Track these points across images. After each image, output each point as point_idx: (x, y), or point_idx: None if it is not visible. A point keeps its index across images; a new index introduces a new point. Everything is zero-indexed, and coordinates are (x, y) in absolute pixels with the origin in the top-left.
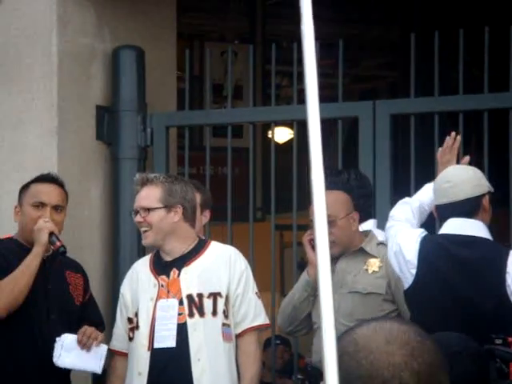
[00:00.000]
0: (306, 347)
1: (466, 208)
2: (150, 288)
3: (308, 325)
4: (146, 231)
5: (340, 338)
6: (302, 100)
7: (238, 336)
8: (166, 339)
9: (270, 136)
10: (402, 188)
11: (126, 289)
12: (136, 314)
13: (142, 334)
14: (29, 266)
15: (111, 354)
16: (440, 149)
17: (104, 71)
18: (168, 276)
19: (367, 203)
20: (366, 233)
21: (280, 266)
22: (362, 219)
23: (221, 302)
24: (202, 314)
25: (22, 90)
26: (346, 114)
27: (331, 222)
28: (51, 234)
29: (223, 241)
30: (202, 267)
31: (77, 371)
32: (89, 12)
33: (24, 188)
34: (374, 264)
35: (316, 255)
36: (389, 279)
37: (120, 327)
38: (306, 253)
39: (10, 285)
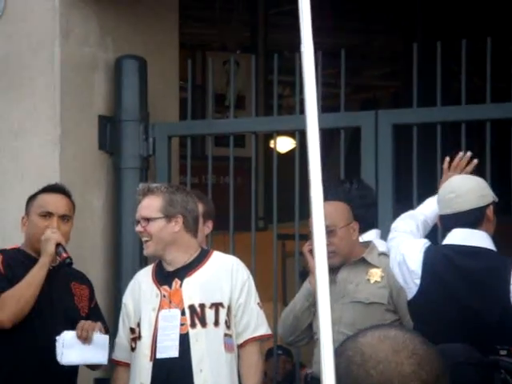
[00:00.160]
0: (308, 358)
1: (471, 219)
2: (152, 298)
3: (309, 335)
4: (146, 241)
5: (343, 348)
6: (304, 110)
7: (239, 346)
8: (169, 349)
9: (272, 146)
10: (405, 198)
11: (128, 299)
12: (138, 325)
13: (145, 345)
14: (35, 277)
15: (114, 365)
16: (447, 158)
17: (106, 81)
18: (170, 286)
19: (368, 213)
20: (367, 243)
21: (282, 276)
22: (363, 229)
23: (223, 313)
24: (203, 324)
25: (25, 100)
26: (348, 124)
27: (331, 232)
28: (58, 244)
29: (225, 250)
30: (204, 277)
31: (83, 366)
32: (92, 22)
33: (31, 198)
34: (375, 274)
35: (314, 264)
36: (391, 289)
37: (122, 337)
38: (308, 262)
39: (16, 296)
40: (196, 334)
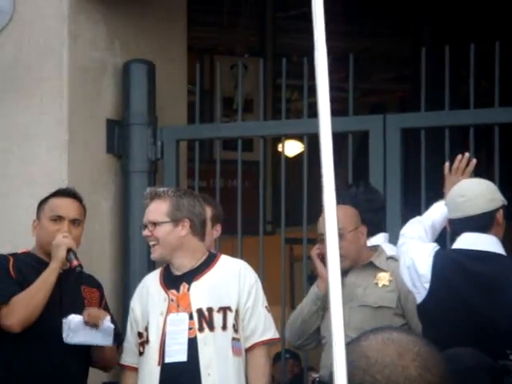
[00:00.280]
0: (316, 361)
1: (481, 223)
2: (159, 302)
3: (317, 339)
4: (153, 245)
5: (346, 352)
6: (312, 114)
7: (247, 350)
8: (177, 353)
9: (280, 149)
10: (413, 202)
11: (136, 303)
12: (146, 329)
13: (153, 349)
14: (45, 282)
15: (122, 369)
16: (447, 164)
17: (115, 85)
18: (178, 290)
19: (376, 217)
20: (375, 247)
21: (290, 280)
22: (371, 233)
23: (231, 316)
24: (211, 328)
25: (33, 104)
26: (356, 128)
27: (339, 236)
28: (69, 250)
29: (233, 254)
30: (211, 281)
31: (89, 345)
32: (100, 26)
33: (42, 202)
34: (383, 278)
35: (327, 268)
36: (399, 293)
37: (130, 342)
38: (316, 266)
39: (26, 300)
40: (204, 338)
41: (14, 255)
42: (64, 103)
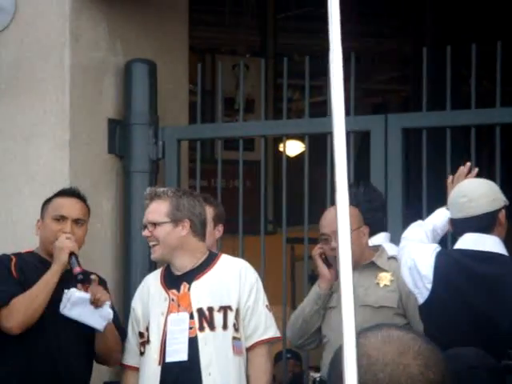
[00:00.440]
0: (317, 361)
1: (483, 223)
2: (160, 302)
3: (318, 338)
4: (154, 245)
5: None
6: (313, 113)
7: (248, 349)
8: (178, 353)
9: (281, 149)
10: (414, 202)
11: (137, 303)
12: (147, 329)
13: (153, 349)
14: (47, 284)
15: (123, 369)
16: (450, 177)
17: (116, 85)
18: (178, 290)
19: (376, 217)
20: (376, 247)
21: (291, 280)
22: (372, 233)
23: (231, 316)
24: (212, 327)
25: (35, 104)
26: (357, 128)
27: None
28: (72, 254)
29: (234, 254)
30: (212, 281)
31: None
32: (101, 26)
33: (46, 202)
34: (385, 278)
35: (338, 267)
36: (400, 293)
37: (131, 342)
38: (317, 266)
39: (26, 303)
40: (204, 338)
41: (18, 255)
42: (65, 103)
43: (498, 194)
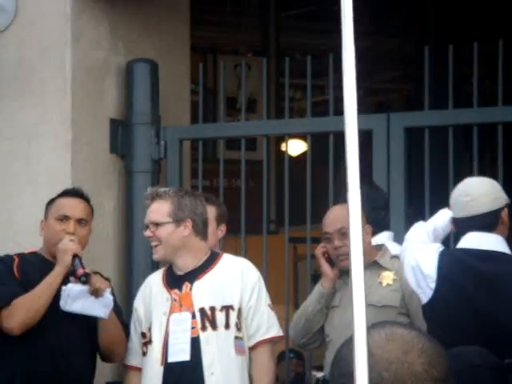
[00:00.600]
0: (320, 360)
1: (486, 222)
2: (162, 302)
3: (321, 337)
4: (156, 246)
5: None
6: (315, 113)
7: (251, 348)
8: (180, 353)
9: (283, 149)
10: (417, 201)
11: (139, 303)
12: (149, 329)
13: (156, 349)
14: (49, 286)
15: (125, 369)
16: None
17: (118, 84)
18: (180, 290)
19: (379, 216)
20: (379, 246)
21: (294, 279)
22: (374, 232)
23: (233, 315)
24: (214, 327)
25: (36, 104)
26: (359, 127)
27: (344, 234)
28: (75, 256)
29: (236, 253)
30: (214, 280)
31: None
32: (103, 26)
33: (50, 202)
34: (387, 277)
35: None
36: (403, 292)
37: (134, 342)
38: (320, 265)
39: (27, 304)
40: (207, 337)
41: (21, 255)
42: (67, 103)
43: (501, 193)
